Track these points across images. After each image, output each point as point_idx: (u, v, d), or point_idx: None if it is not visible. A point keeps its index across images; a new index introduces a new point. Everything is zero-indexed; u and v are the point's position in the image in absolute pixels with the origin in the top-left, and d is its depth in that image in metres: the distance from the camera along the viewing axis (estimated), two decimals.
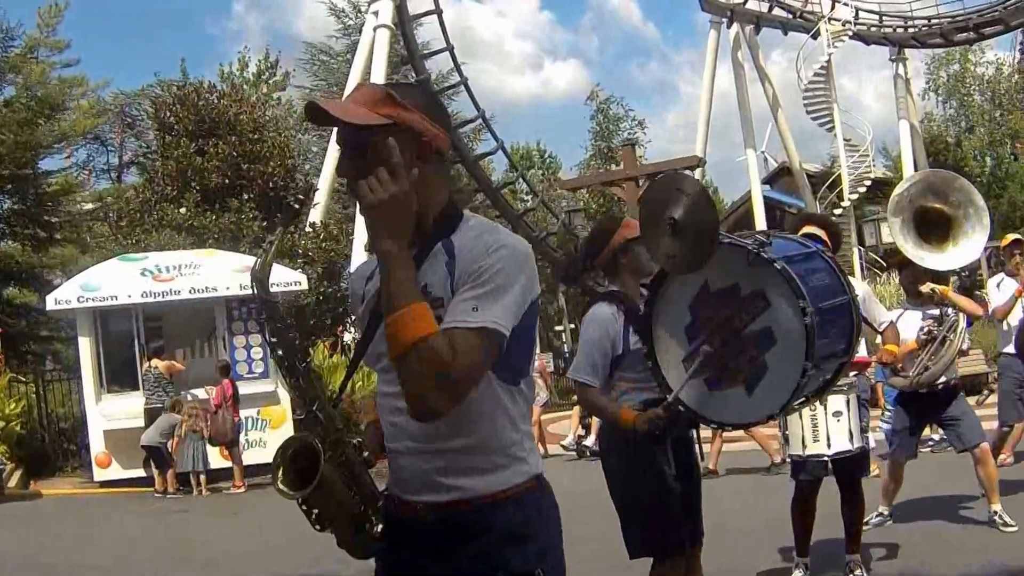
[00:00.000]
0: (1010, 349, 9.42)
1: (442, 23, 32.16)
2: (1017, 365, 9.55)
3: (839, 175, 38.88)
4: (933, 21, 40.68)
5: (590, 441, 15.78)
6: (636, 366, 5.09)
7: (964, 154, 45.15)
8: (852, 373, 6.98)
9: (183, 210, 22.21)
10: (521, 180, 40.47)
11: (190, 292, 17.51)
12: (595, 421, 15.79)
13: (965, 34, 40.35)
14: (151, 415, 16.46)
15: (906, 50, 42.05)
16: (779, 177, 46.85)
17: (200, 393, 17.16)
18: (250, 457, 16.84)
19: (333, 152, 29.01)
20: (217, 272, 17.81)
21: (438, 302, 2.66)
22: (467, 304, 2.59)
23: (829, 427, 6.69)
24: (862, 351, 7.60)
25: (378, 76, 29.70)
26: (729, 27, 40.52)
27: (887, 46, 41.60)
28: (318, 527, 2.84)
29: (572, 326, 37.21)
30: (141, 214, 23.09)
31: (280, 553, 9.84)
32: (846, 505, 6.95)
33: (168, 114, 25.31)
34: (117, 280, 17.45)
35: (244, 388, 16.99)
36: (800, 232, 6.09)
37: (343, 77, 37.62)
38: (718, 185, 62.62)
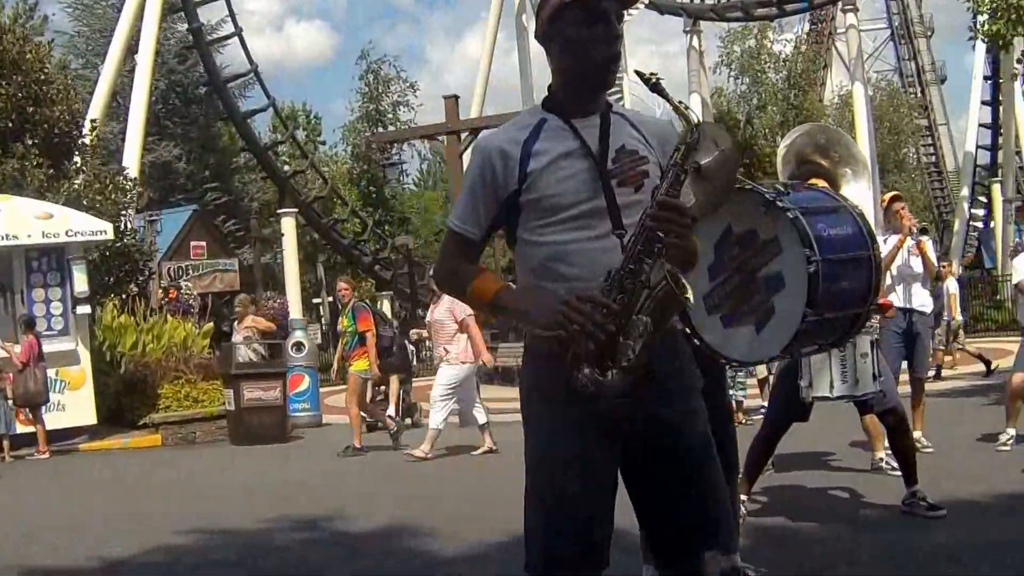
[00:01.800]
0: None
1: None
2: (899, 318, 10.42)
3: None
4: None
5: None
6: None
7: (755, 132, 46.81)
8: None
9: None
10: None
11: None
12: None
13: (766, 9, 41.58)
14: None
15: (701, 22, 43.37)
16: None
17: None
18: (49, 421, 16.35)
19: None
20: (14, 218, 17.09)
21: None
22: None
23: (858, 368, 7.15)
24: None
25: (150, 23, 29.40)
26: None
27: (683, 16, 42.69)
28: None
29: (331, 299, 37.38)
30: None
31: (97, 523, 9.58)
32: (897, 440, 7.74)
33: None
34: None
35: (43, 346, 16.36)
36: None
37: (110, 23, 36.57)
38: None
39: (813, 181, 8.14)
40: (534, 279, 3.40)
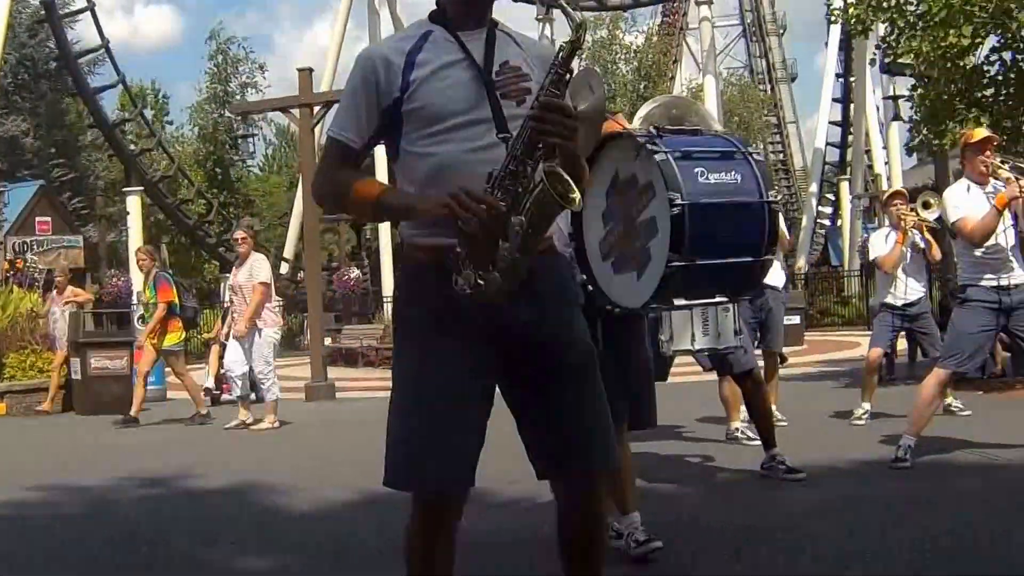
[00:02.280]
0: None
1: None
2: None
3: None
4: None
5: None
6: None
7: None
8: None
9: None
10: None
11: None
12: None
13: None
14: None
15: (554, 11, 43.59)
16: None
17: None
18: None
19: None
20: None
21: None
22: None
23: (719, 322, 7.10)
24: None
25: None
26: None
27: (536, 5, 42.91)
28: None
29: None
30: None
31: None
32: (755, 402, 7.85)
33: None
34: None
35: None
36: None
37: None
38: None
39: None
40: (418, 191, 3.34)
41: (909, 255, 10.64)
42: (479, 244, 3.12)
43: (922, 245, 10.61)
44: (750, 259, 5.12)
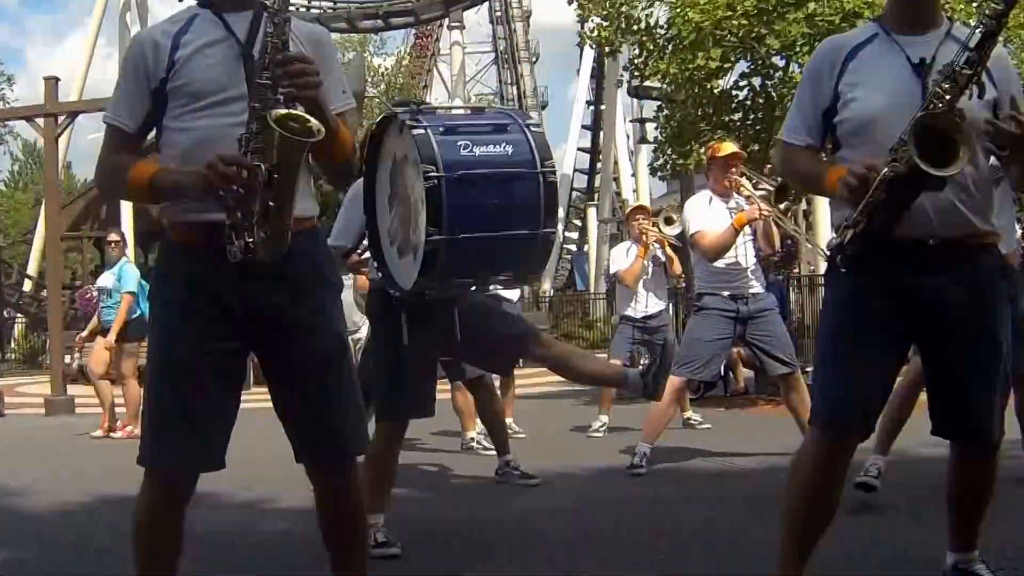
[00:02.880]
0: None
1: None
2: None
3: None
4: (340, 5, 42.47)
5: None
6: None
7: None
8: None
9: None
10: None
11: None
12: None
13: (372, 21, 42.23)
14: None
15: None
16: None
17: None
18: None
19: None
20: None
21: None
22: None
23: None
24: None
25: None
26: None
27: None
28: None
29: None
30: None
31: None
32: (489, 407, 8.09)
33: None
34: None
35: None
36: None
37: None
38: None
39: None
40: (179, 166, 3.43)
41: (650, 269, 10.78)
42: (243, 207, 3.24)
43: (663, 259, 10.79)
44: (526, 231, 4.95)
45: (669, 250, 10.88)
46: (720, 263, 7.83)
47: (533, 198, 4.91)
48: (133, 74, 3.49)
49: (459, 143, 4.81)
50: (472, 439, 9.62)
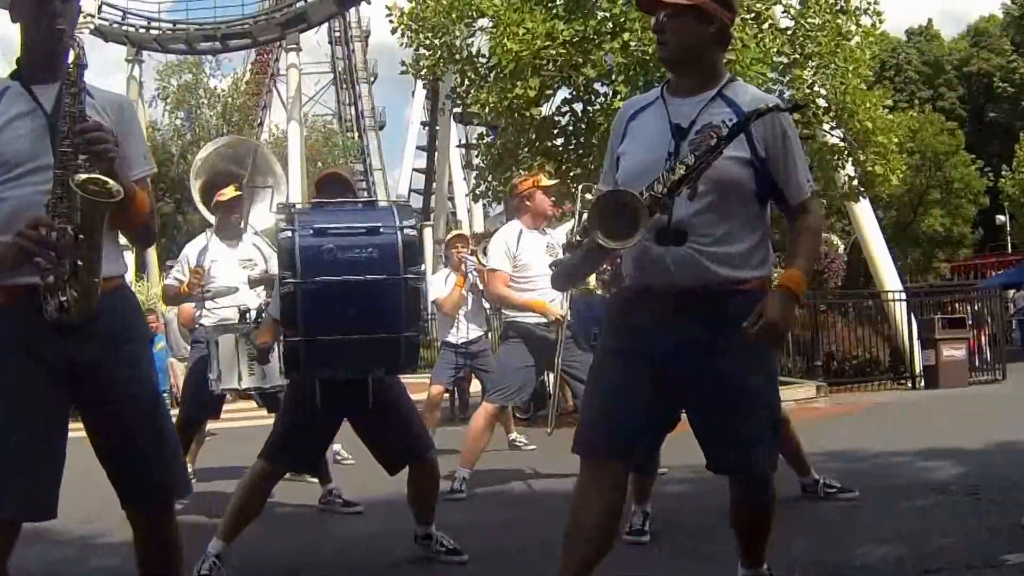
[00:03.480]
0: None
1: None
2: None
3: None
4: (179, 26, 42.15)
5: None
6: None
7: (188, 166, 46.87)
8: None
9: None
10: None
11: None
12: None
13: (210, 43, 42.03)
14: None
15: (144, 52, 43.08)
16: None
17: None
18: None
19: None
20: None
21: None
22: None
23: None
24: None
25: None
26: None
27: (126, 45, 42.26)
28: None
29: None
30: None
31: None
32: None
33: None
34: None
35: None
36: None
37: None
38: None
39: (227, 190, 8.47)
40: None
41: (469, 298, 11.05)
42: (53, 268, 3.41)
43: (481, 287, 11.02)
44: (385, 335, 5.20)
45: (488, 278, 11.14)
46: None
47: (394, 303, 5.16)
48: None
49: (324, 247, 5.05)
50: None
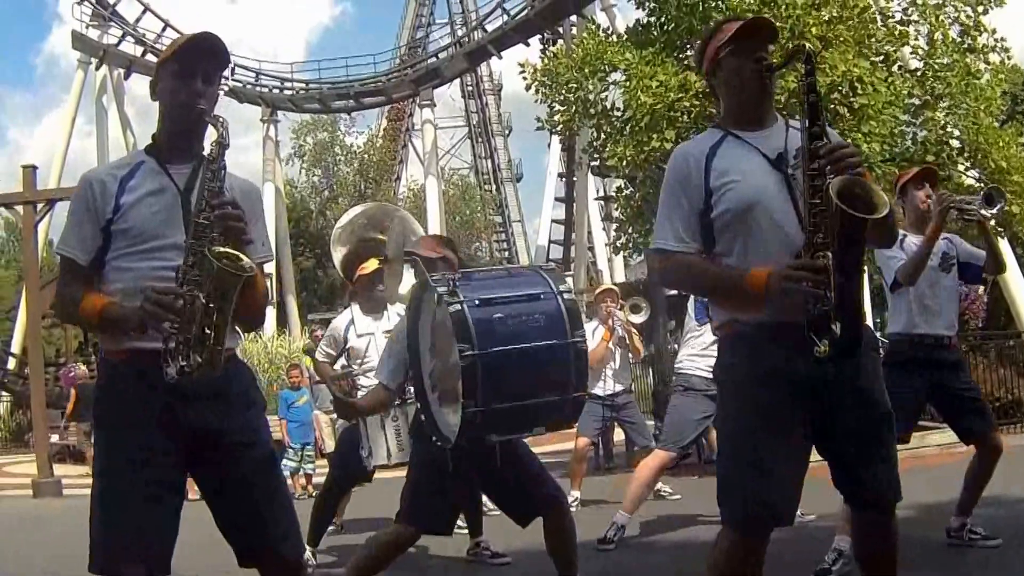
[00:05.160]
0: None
1: None
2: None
3: None
4: (312, 86, 43.23)
5: None
6: None
7: (327, 223, 47.76)
8: None
9: None
10: None
11: None
12: None
13: (344, 101, 43.12)
14: None
15: (278, 112, 44.27)
16: None
17: None
18: None
19: None
20: None
21: None
22: None
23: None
24: None
25: None
26: (98, 68, 40.91)
27: (261, 106, 43.45)
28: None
29: None
30: None
31: None
32: None
33: None
34: None
35: None
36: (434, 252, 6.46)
37: None
38: None
39: (369, 263, 8.67)
40: (119, 300, 3.77)
41: (617, 353, 11.28)
42: (179, 333, 3.59)
43: (627, 342, 11.33)
44: (556, 398, 5.27)
45: (636, 339, 11.53)
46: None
47: (564, 368, 5.23)
48: (84, 211, 3.87)
49: (495, 316, 5.14)
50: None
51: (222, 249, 3.64)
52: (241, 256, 3.67)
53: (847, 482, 4.08)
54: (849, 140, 6.29)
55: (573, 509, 10.72)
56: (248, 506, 3.92)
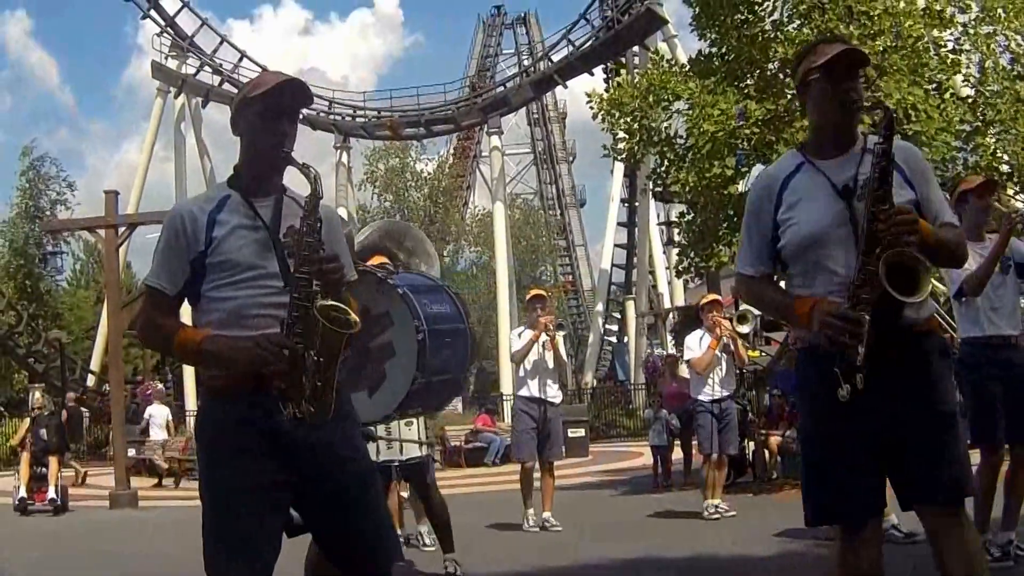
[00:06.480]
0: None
1: None
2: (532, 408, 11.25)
3: None
4: (384, 114, 43.75)
5: None
6: None
7: None
8: None
9: None
10: None
11: None
12: None
13: (414, 129, 43.56)
14: None
15: (351, 139, 44.85)
16: None
17: None
18: None
19: None
20: None
21: None
22: None
23: (402, 435, 7.69)
24: None
25: None
26: (176, 97, 41.76)
27: (334, 133, 44.06)
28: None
29: None
30: None
31: None
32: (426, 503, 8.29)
33: None
34: None
35: None
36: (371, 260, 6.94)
37: None
38: None
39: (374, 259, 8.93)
40: (218, 330, 3.89)
41: (723, 360, 11.57)
42: (288, 380, 3.73)
43: (733, 350, 11.59)
44: (459, 374, 6.45)
45: (741, 349, 11.86)
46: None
47: (467, 348, 6.38)
48: (175, 243, 3.92)
49: (423, 300, 5.97)
50: (412, 535, 9.89)
51: (327, 303, 3.76)
52: (348, 311, 3.78)
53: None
54: None
55: (716, 516, 11.14)
56: (352, 516, 3.97)
